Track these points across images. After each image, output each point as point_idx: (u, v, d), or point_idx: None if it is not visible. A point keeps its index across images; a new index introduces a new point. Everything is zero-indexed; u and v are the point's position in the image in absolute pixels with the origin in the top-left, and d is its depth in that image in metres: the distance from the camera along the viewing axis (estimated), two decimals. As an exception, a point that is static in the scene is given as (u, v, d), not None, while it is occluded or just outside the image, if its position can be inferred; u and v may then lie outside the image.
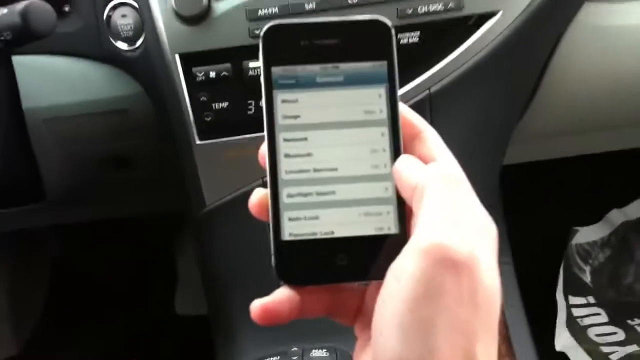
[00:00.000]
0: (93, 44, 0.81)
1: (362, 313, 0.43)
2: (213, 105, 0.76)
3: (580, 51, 0.83)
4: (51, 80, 0.83)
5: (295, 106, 0.42)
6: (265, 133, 0.42)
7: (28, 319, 1.35)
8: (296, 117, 0.42)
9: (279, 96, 0.42)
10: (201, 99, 0.76)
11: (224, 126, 0.77)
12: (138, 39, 0.79)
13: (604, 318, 1.39)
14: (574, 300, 1.42)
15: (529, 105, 0.87)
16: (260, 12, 0.74)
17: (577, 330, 1.36)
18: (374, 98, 0.42)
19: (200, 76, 0.75)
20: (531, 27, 0.76)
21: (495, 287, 0.37)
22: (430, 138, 0.42)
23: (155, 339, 1.39)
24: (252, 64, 0.75)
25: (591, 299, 1.42)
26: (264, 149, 0.42)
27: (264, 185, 0.41)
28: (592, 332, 1.36)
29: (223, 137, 0.77)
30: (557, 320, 1.38)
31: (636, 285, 1.42)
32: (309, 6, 0.73)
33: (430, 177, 0.38)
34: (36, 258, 1.40)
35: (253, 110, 0.77)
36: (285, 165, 0.41)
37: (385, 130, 0.42)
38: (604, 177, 1.47)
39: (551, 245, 1.44)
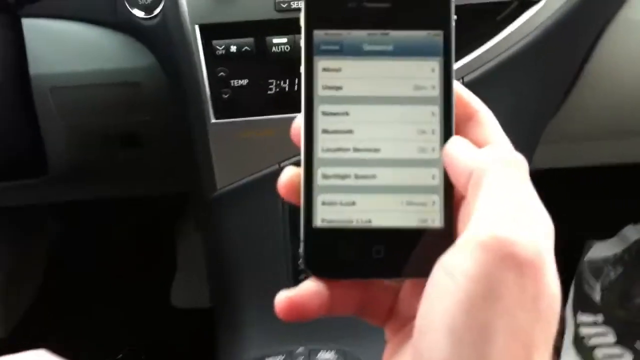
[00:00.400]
0: (108, 10, 0.78)
1: (394, 313, 0.38)
2: (232, 82, 0.73)
3: (621, 49, 0.80)
4: (62, 46, 0.80)
5: (337, 76, 0.37)
6: (302, 104, 0.37)
7: (21, 300, 1.31)
8: (338, 88, 0.37)
9: (320, 63, 0.37)
10: (219, 75, 0.73)
11: (242, 105, 0.74)
12: (156, 7, 0.76)
13: (611, 338, 1.35)
14: (582, 318, 1.38)
15: (564, 102, 0.83)
16: None
17: (584, 351, 1.33)
18: (427, 72, 0.38)
19: (220, 50, 0.72)
20: (573, 18, 0.73)
21: (558, 295, 0.32)
22: (487, 120, 0.37)
23: (150, 329, 1.35)
24: (276, 40, 0.72)
25: (600, 318, 1.38)
26: (298, 122, 0.37)
27: (297, 164, 0.37)
28: (599, 353, 1.33)
29: (240, 116, 0.74)
30: (565, 338, 1.35)
31: None
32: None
33: (491, 161, 0.34)
34: (34, 239, 1.37)
35: (274, 90, 0.73)
36: (322, 142, 0.37)
37: (437, 109, 0.37)
38: (622, 190, 1.43)
39: (564, 258, 1.40)
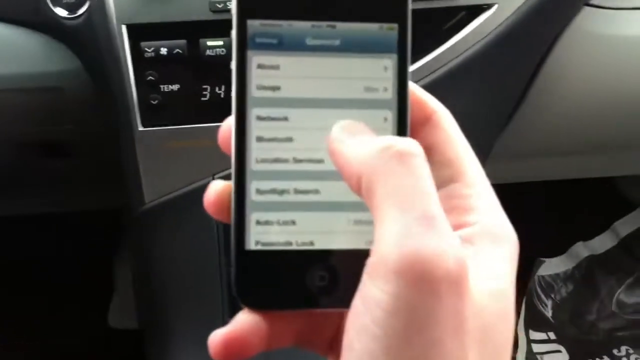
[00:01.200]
0: (28, 9, 0.74)
1: (338, 341, 0.33)
2: (161, 87, 0.69)
3: (574, 60, 0.79)
4: (-26, 47, 0.76)
5: (275, 74, 0.33)
6: (233, 107, 0.32)
7: None
8: (275, 88, 0.33)
9: (255, 59, 0.32)
10: (148, 79, 0.69)
11: (172, 112, 0.70)
12: (81, 6, 0.72)
13: (564, 356, 1.36)
14: (534, 335, 1.39)
15: (515, 114, 0.82)
16: None
17: (536, 369, 1.34)
18: (378, 72, 0.33)
19: (149, 52, 0.68)
20: (527, 25, 0.72)
21: (490, 307, 0.28)
22: (445, 122, 0.33)
23: (86, 355, 1.30)
24: (210, 43, 0.68)
25: (552, 335, 1.39)
26: (228, 127, 0.33)
27: (228, 177, 0.32)
28: (551, 372, 1.34)
29: (170, 124, 0.71)
30: (517, 356, 1.35)
31: (599, 324, 1.39)
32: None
33: (380, 156, 0.28)
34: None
35: (208, 96, 0.70)
36: (256, 152, 0.32)
37: (390, 114, 0.33)
38: (571, 207, 1.45)
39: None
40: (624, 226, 1.46)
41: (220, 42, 0.68)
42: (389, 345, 0.26)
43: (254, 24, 0.32)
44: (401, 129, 0.33)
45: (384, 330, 0.26)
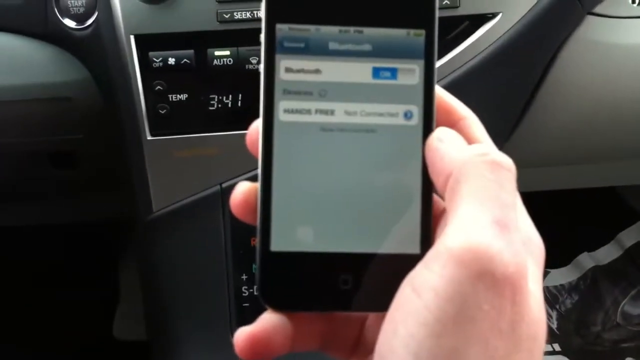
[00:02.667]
0: (37, 20, 0.74)
1: (361, 345, 0.34)
2: (169, 96, 0.69)
3: (578, 68, 0.78)
4: (-16, 58, 0.76)
5: (302, 77, 0.33)
6: (260, 108, 0.33)
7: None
8: (303, 92, 0.33)
9: (283, 63, 0.33)
10: (156, 89, 0.69)
11: (180, 121, 0.70)
12: (90, 16, 0.72)
13: None
14: None
15: (519, 123, 0.81)
16: None
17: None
18: (406, 77, 0.34)
19: (157, 62, 0.69)
20: (531, 34, 0.71)
21: (542, 319, 0.28)
22: (473, 125, 0.33)
23: None
24: (218, 53, 0.68)
25: (557, 347, 1.37)
26: (256, 129, 0.33)
27: (252, 178, 0.33)
28: (556, 383, 1.33)
29: (178, 133, 0.71)
30: None
31: (604, 335, 1.38)
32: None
33: (473, 161, 0.29)
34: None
35: (215, 105, 0.70)
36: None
37: (416, 118, 0.33)
38: (576, 217, 1.44)
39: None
40: (628, 237, 1.45)
41: (227, 52, 0.68)
42: (436, 332, 0.26)
43: (282, 28, 0.33)
44: (427, 132, 0.33)
45: (434, 315, 0.26)
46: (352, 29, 0.33)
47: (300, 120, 0.33)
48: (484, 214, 0.28)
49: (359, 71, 0.33)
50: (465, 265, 0.26)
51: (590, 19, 0.76)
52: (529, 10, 0.70)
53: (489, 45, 0.70)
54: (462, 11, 0.69)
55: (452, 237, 0.27)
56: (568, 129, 0.85)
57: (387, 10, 0.33)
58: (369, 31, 0.33)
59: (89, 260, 1.36)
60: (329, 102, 0.33)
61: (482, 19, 0.70)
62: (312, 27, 0.33)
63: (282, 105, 0.33)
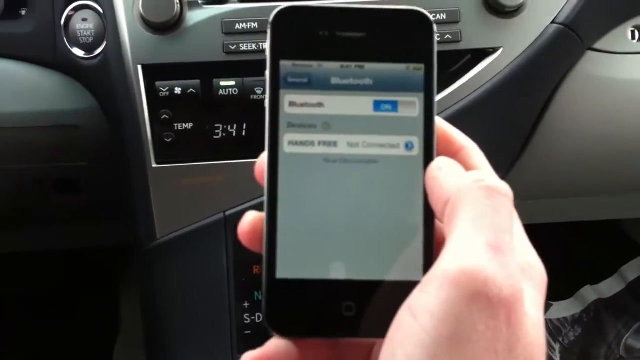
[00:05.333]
0: (46, 49, 0.74)
1: None
2: (175, 125, 0.70)
3: (578, 103, 0.79)
4: (-7, 86, 0.76)
5: (306, 111, 0.34)
6: (266, 141, 0.34)
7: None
8: (306, 125, 0.34)
9: (287, 97, 0.34)
10: (162, 117, 0.70)
11: (186, 150, 0.71)
12: (98, 46, 0.73)
13: None
14: None
15: (520, 156, 0.82)
16: (238, 26, 0.69)
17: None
18: (406, 109, 0.34)
19: (164, 91, 0.70)
20: (531, 68, 0.72)
21: (540, 343, 0.29)
22: (474, 154, 0.34)
23: None
24: (224, 83, 0.70)
25: None
26: (262, 160, 0.34)
27: (258, 207, 0.34)
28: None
29: (183, 161, 0.71)
30: None
31: None
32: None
33: (471, 187, 0.30)
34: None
35: (220, 134, 0.71)
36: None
37: (417, 149, 0.34)
38: (579, 249, 1.43)
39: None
40: (631, 270, 1.45)
41: (233, 82, 0.69)
42: (432, 353, 0.27)
43: (286, 65, 0.34)
44: (428, 162, 0.33)
45: (431, 336, 0.27)
46: (353, 64, 0.34)
47: (305, 152, 0.34)
48: (479, 237, 0.28)
49: (361, 104, 0.34)
50: (460, 287, 0.27)
51: (590, 54, 0.77)
52: (530, 46, 0.71)
53: (490, 79, 0.71)
54: (463, 45, 0.70)
55: (447, 260, 0.28)
56: (569, 163, 0.85)
57: (387, 46, 0.34)
58: (370, 66, 0.34)
59: (89, 288, 1.35)
60: (332, 134, 0.34)
61: (484, 53, 0.71)
62: (314, 63, 0.34)
63: (286, 137, 0.34)
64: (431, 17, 0.34)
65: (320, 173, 0.33)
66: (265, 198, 0.33)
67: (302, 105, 0.34)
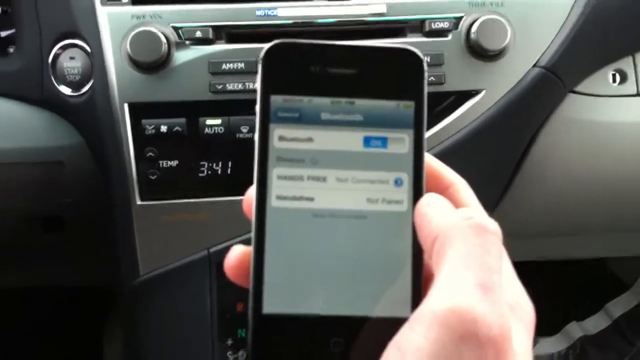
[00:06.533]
0: (33, 86, 0.74)
1: None
2: (160, 162, 0.70)
3: (559, 145, 0.79)
4: (-22, 122, 0.75)
5: (295, 146, 0.34)
6: (254, 175, 0.34)
7: None
8: (295, 160, 0.34)
9: (277, 131, 0.34)
10: (148, 155, 0.70)
11: (170, 187, 0.71)
12: (85, 84, 0.73)
13: None
14: None
15: (503, 197, 0.82)
16: (225, 66, 0.70)
17: None
18: (395, 146, 0.35)
19: (149, 129, 0.70)
20: (513, 110, 0.73)
21: None
22: (462, 190, 0.34)
23: None
24: (209, 122, 0.70)
25: None
26: (250, 195, 0.34)
27: (246, 242, 0.33)
28: None
29: (167, 198, 0.71)
30: None
31: None
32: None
33: (460, 225, 0.30)
34: None
35: (205, 172, 0.71)
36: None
37: (406, 186, 0.34)
38: (565, 287, 1.43)
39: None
40: (616, 307, 1.44)
41: (219, 121, 0.70)
42: None
43: (276, 99, 0.34)
44: (418, 197, 0.34)
45: None
46: (343, 100, 0.34)
47: (293, 186, 0.34)
48: (467, 276, 0.28)
49: (351, 140, 0.34)
50: (449, 327, 0.27)
51: (572, 97, 0.78)
52: (512, 88, 0.72)
53: (474, 120, 0.72)
54: (447, 87, 0.71)
55: (435, 299, 0.28)
56: (552, 203, 0.85)
57: (377, 83, 0.34)
58: (360, 102, 0.34)
59: (72, 327, 1.33)
60: (321, 169, 0.34)
61: (467, 95, 0.72)
62: (305, 98, 0.34)
63: (275, 172, 0.34)
64: (422, 55, 0.35)
65: (310, 212, 0.33)
66: (252, 232, 0.33)
67: (292, 139, 0.34)
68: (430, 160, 0.35)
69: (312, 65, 0.34)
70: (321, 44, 0.35)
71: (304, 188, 0.34)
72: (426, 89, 0.34)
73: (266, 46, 0.34)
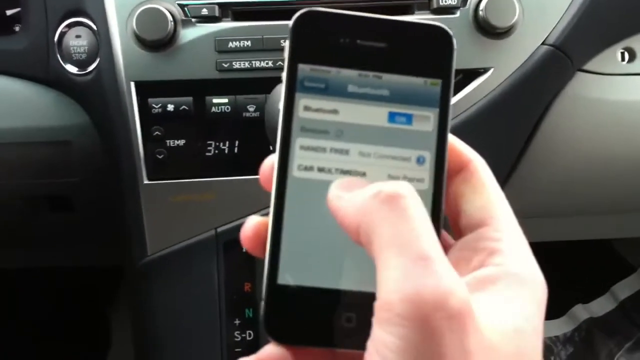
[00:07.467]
0: (39, 65, 0.74)
1: None
2: (167, 142, 0.70)
3: (568, 123, 0.79)
4: (-15, 101, 0.75)
5: (320, 117, 0.34)
6: (277, 144, 0.33)
7: None
8: (319, 130, 0.34)
9: (302, 101, 0.34)
10: (154, 134, 0.70)
11: (177, 166, 0.71)
12: (91, 63, 0.73)
13: None
14: None
15: (510, 176, 0.82)
16: (231, 45, 0.69)
17: None
18: (420, 123, 0.34)
19: (156, 108, 0.70)
20: (522, 89, 0.72)
21: (511, 344, 0.28)
22: (480, 170, 0.34)
23: None
24: (216, 100, 0.70)
25: None
26: (269, 164, 0.34)
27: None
28: None
29: (175, 178, 0.71)
30: None
31: None
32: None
33: (371, 204, 0.29)
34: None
35: (212, 151, 0.71)
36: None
37: (428, 162, 0.34)
38: (571, 269, 1.43)
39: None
40: (622, 289, 1.45)
41: (225, 100, 0.69)
42: None
43: (304, 69, 0.34)
44: (439, 174, 0.34)
45: None
46: (371, 74, 0.34)
47: (316, 158, 0.33)
48: (403, 256, 0.28)
49: (376, 114, 0.34)
50: (408, 318, 0.27)
51: (580, 75, 0.78)
52: (520, 66, 0.71)
53: (482, 98, 0.71)
54: (456, 65, 0.70)
55: (386, 291, 0.28)
56: (559, 182, 0.85)
57: (406, 59, 0.34)
58: (388, 77, 0.34)
59: (79, 308, 1.34)
60: (344, 143, 0.34)
61: (475, 73, 0.71)
62: (332, 69, 0.34)
63: (298, 141, 0.33)
64: (452, 33, 0.34)
65: (330, 182, 0.33)
66: (271, 201, 0.33)
67: (317, 110, 0.34)
68: (451, 138, 0.34)
69: (341, 36, 0.34)
70: (353, 15, 0.34)
71: (326, 160, 0.33)
72: (454, 68, 0.34)
73: (297, 13, 0.34)
